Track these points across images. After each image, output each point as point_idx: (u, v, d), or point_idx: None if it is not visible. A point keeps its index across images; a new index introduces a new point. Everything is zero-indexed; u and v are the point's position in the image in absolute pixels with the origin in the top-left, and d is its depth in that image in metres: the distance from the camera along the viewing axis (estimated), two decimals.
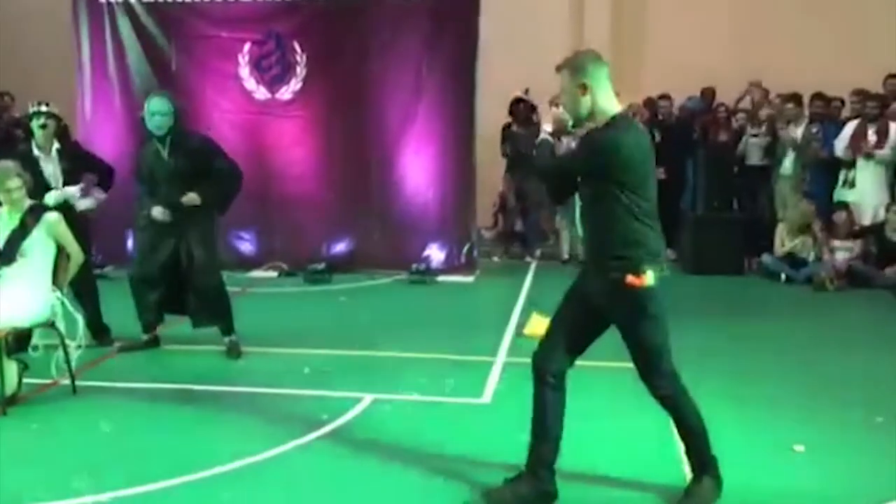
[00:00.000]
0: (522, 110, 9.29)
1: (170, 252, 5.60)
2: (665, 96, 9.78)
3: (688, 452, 3.62)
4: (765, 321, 6.99)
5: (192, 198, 5.48)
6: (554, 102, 3.79)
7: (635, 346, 3.48)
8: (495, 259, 9.60)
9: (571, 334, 3.56)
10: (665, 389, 3.51)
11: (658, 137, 9.23)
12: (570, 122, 3.52)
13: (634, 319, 3.42)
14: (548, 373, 3.56)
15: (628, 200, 3.31)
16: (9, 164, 4.84)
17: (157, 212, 5.53)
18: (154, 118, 5.46)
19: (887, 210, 8.21)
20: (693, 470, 3.59)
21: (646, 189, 3.39)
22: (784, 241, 8.60)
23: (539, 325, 6.54)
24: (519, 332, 6.33)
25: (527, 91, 9.31)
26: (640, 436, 4.31)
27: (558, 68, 3.44)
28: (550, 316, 3.72)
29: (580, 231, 3.60)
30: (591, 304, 3.50)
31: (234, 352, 5.66)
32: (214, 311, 5.67)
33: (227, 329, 5.72)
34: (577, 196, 3.54)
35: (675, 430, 3.65)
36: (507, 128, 9.42)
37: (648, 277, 3.35)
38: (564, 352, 3.56)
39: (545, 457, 3.52)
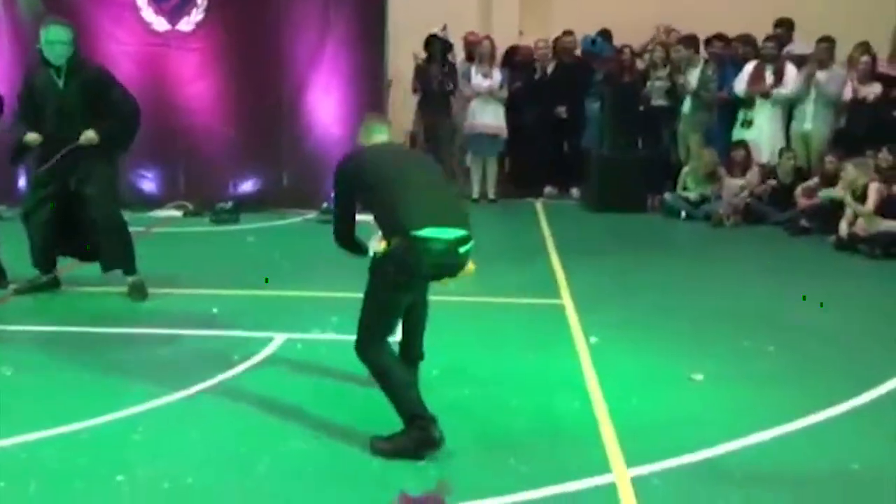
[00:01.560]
0: (438, 48, 9.21)
1: (61, 188, 5.36)
2: (568, 32, 9.79)
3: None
4: (663, 257, 7.25)
5: (90, 137, 5.24)
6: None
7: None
8: None
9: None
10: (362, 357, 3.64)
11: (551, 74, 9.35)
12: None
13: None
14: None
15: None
16: None
17: (31, 136, 5.25)
18: (54, 47, 5.19)
19: (780, 155, 8.55)
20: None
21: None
22: (687, 185, 8.86)
23: None
24: None
25: (444, 28, 9.21)
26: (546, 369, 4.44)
27: None
28: None
29: None
30: None
31: (137, 293, 5.52)
32: (116, 250, 5.49)
33: (130, 269, 5.55)
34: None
35: None
36: (420, 65, 9.32)
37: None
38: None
39: (412, 406, 3.51)
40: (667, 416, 3.90)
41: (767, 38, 8.97)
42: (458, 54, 9.73)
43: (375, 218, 3.71)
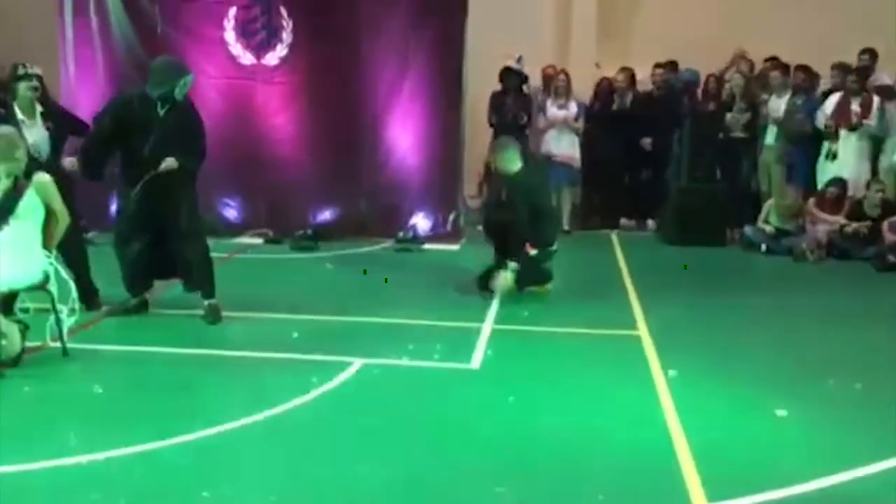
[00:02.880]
0: (513, 79, 9.29)
1: (150, 215, 5.59)
2: (661, 65, 9.74)
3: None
4: (743, 291, 7.10)
5: (170, 163, 5.49)
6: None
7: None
8: (480, 228, 9.62)
9: None
10: None
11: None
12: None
13: None
14: None
15: None
16: (13, 131, 4.84)
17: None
18: (185, 89, 5.55)
19: (867, 187, 8.31)
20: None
21: None
22: (769, 219, 8.65)
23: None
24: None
25: (519, 59, 9.30)
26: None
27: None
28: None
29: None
30: None
31: (213, 315, 5.69)
32: (197, 275, 5.71)
33: (210, 293, 5.75)
34: None
35: None
36: (496, 96, 9.41)
37: None
38: None
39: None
40: (748, 452, 3.82)
41: (851, 71, 8.76)
42: (535, 83, 9.78)
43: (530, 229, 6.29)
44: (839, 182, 8.43)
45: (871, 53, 8.87)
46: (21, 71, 5.67)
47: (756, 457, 3.77)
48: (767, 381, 4.71)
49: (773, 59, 9.27)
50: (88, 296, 5.85)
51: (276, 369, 4.83)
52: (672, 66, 9.77)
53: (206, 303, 5.74)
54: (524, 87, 9.47)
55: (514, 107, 9.27)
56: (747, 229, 8.72)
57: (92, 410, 4.21)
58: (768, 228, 8.58)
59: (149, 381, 4.64)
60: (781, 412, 4.23)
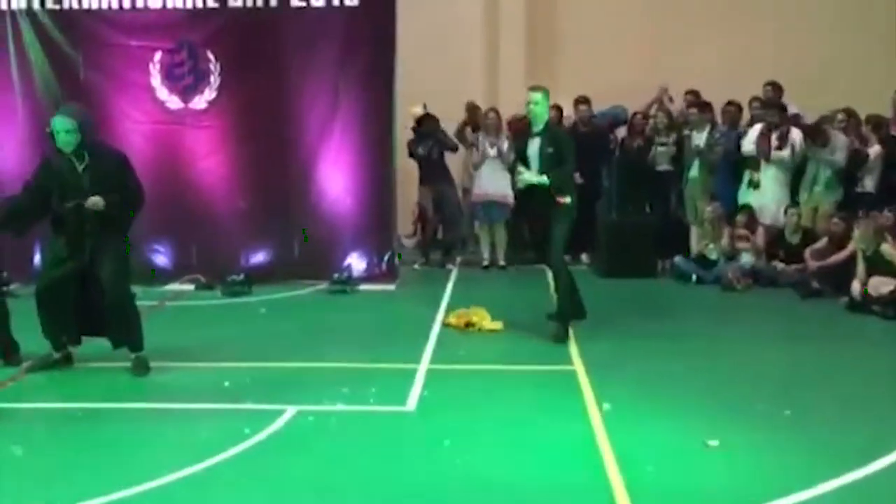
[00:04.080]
0: (429, 123, 9.43)
1: (74, 267, 5.45)
2: (584, 100, 9.94)
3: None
4: (675, 321, 7.22)
5: (95, 201, 5.34)
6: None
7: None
8: (416, 267, 9.64)
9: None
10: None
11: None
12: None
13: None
14: None
15: None
16: None
17: (92, 202, 5.36)
18: (59, 136, 5.36)
19: (785, 213, 8.60)
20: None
21: None
22: (699, 241, 8.91)
23: (462, 317, 6.71)
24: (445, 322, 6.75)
25: (424, 106, 9.45)
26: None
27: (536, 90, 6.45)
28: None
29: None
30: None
31: (140, 368, 5.54)
32: (123, 328, 5.57)
33: (136, 346, 5.61)
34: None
35: None
36: (410, 143, 9.59)
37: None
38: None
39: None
40: (683, 485, 3.85)
41: (764, 104, 9.09)
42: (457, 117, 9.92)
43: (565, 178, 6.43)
44: (746, 208, 8.77)
45: (775, 86, 9.24)
46: None
47: (690, 489, 3.80)
48: (700, 411, 4.79)
49: (692, 92, 9.56)
50: (8, 351, 5.66)
51: (206, 420, 4.71)
52: (587, 101, 9.96)
53: (133, 355, 5.60)
54: (439, 127, 9.59)
55: (429, 142, 9.48)
56: (678, 259, 8.91)
57: (10, 472, 4.03)
58: (697, 250, 8.79)
59: (71, 439, 4.49)
60: (714, 442, 4.28)
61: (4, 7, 8.40)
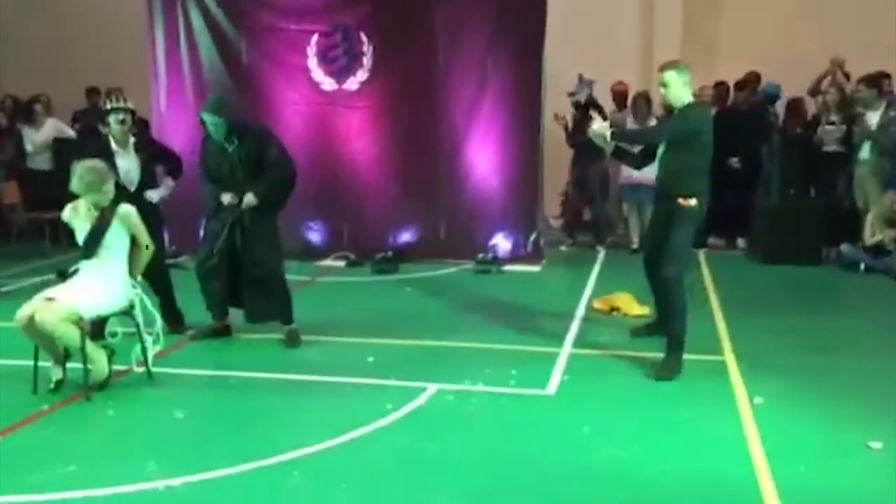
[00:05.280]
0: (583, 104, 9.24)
1: (230, 245, 5.73)
2: (742, 85, 9.42)
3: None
4: (838, 313, 6.79)
5: (249, 202, 5.60)
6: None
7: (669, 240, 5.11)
8: (563, 248, 9.53)
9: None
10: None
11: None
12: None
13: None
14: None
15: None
16: (103, 165, 5.01)
17: (227, 198, 5.66)
18: (207, 127, 5.67)
19: None
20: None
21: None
22: (873, 232, 8.28)
23: (608, 302, 6.57)
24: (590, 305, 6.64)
25: (580, 80, 9.17)
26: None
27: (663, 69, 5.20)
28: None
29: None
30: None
31: (292, 341, 5.77)
32: (271, 304, 5.80)
33: (286, 319, 5.83)
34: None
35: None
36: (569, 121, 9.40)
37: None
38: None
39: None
40: (839, 488, 3.61)
41: None
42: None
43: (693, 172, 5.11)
44: None
45: None
46: (110, 105, 5.91)
47: (848, 493, 3.56)
48: (861, 411, 4.47)
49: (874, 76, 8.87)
50: (174, 320, 6.02)
51: (351, 394, 4.85)
52: (745, 85, 9.44)
53: (285, 328, 5.83)
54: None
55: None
56: (844, 247, 8.33)
57: (172, 435, 4.30)
58: (873, 241, 8.17)
59: (227, 406, 4.74)
60: (876, 444, 3.99)
61: None
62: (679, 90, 5.15)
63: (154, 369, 5.07)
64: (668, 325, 5.18)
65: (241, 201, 5.62)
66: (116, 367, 4.98)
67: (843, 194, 8.90)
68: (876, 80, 8.65)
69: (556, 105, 9.22)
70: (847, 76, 9.26)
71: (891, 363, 5.36)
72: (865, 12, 9.83)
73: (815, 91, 9.30)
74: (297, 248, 8.28)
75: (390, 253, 8.59)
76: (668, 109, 5.83)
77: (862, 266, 8.08)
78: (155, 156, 6.09)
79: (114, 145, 5.83)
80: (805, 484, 3.63)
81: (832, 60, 9.26)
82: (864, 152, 8.57)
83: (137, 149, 5.91)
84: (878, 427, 4.19)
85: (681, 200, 5.04)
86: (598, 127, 5.23)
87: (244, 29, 8.85)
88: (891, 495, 3.55)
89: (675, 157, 5.12)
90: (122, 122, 5.81)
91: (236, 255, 5.77)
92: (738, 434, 4.18)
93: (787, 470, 3.73)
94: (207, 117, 5.62)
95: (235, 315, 5.99)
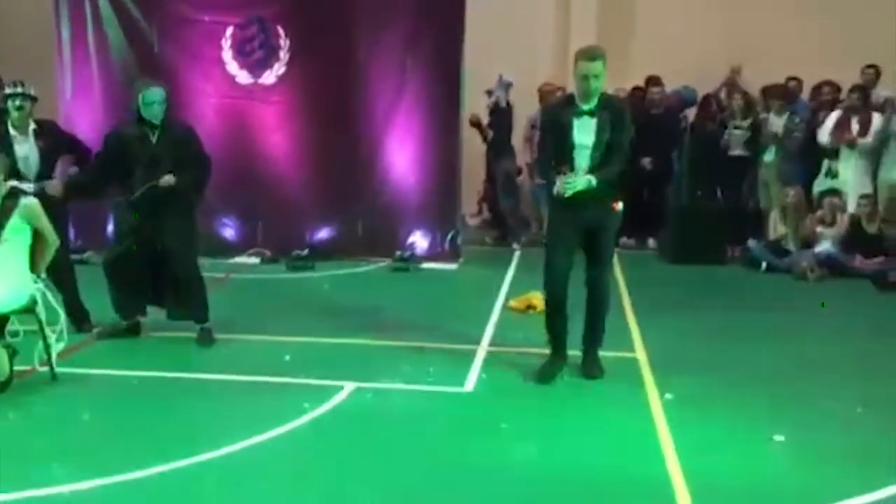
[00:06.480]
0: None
1: (145, 240, 5.59)
2: (656, 81, 9.69)
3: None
4: (743, 310, 7.01)
5: (167, 180, 5.47)
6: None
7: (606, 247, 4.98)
8: (487, 240, 9.60)
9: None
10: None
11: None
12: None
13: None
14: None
15: None
16: None
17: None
18: (153, 107, 5.49)
19: (858, 204, 8.28)
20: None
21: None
22: (777, 226, 8.63)
23: (523, 300, 6.65)
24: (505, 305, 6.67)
25: (500, 78, 9.28)
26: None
27: (595, 58, 4.68)
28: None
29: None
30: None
31: (205, 339, 5.66)
32: (189, 301, 5.68)
33: (202, 318, 5.71)
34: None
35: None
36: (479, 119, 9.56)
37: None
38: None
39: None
40: (744, 480, 3.74)
41: (853, 88, 8.72)
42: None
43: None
44: (831, 193, 8.43)
45: (875, 69, 8.85)
46: (8, 90, 5.68)
47: (752, 485, 3.69)
48: (765, 404, 4.64)
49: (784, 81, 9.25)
50: (79, 318, 5.81)
51: (267, 393, 4.77)
52: (659, 82, 9.71)
53: (198, 327, 5.70)
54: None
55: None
56: (751, 242, 8.63)
57: (78, 438, 4.15)
58: (779, 236, 8.53)
59: (136, 407, 4.58)
60: (779, 437, 4.15)
61: None
62: (603, 82, 4.73)
63: (58, 369, 4.87)
64: (597, 327, 5.11)
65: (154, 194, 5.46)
66: (18, 368, 4.76)
67: (748, 196, 9.24)
68: (783, 88, 9.00)
69: (476, 105, 9.29)
70: (738, 75, 9.58)
71: (794, 357, 5.58)
72: (768, 21, 10.23)
73: (715, 97, 9.65)
74: (211, 244, 8.09)
75: (307, 250, 8.49)
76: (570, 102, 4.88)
77: (763, 265, 8.39)
78: (57, 143, 5.86)
79: (12, 131, 5.61)
80: (712, 476, 3.74)
81: (732, 69, 9.62)
82: (769, 155, 8.92)
83: (37, 136, 5.69)
84: (783, 421, 4.35)
85: (614, 205, 4.86)
86: (579, 181, 4.66)
87: (155, 19, 8.59)
88: (792, 484, 3.69)
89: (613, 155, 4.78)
90: (20, 108, 5.59)
91: (153, 251, 5.61)
92: (649, 429, 4.29)
93: (695, 463, 3.84)
94: (158, 93, 5.48)
95: (153, 313, 5.82)
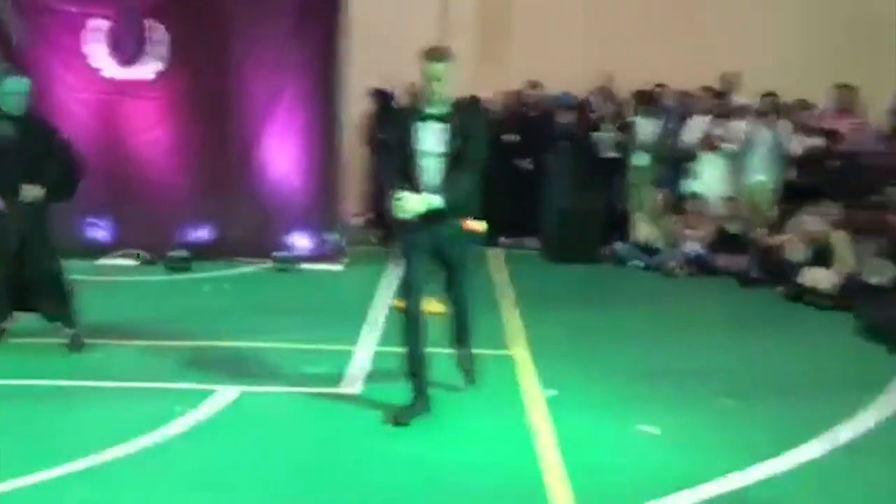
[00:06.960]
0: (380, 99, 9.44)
1: (7, 242, 5.28)
2: (535, 84, 9.91)
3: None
4: (618, 307, 7.26)
5: (35, 195, 5.20)
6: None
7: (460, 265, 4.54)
8: (372, 240, 9.57)
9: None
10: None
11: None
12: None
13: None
14: None
15: None
16: None
17: (32, 196, 5.20)
18: (13, 97, 5.18)
19: (722, 206, 8.74)
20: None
21: None
22: (641, 229, 8.98)
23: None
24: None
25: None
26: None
27: (441, 59, 4.21)
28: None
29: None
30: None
31: (75, 344, 5.41)
32: (53, 306, 5.43)
33: (69, 322, 5.46)
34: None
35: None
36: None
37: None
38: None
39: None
40: (622, 471, 3.88)
41: (715, 95, 9.19)
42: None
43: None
44: (694, 196, 8.88)
45: (731, 76, 9.34)
46: None
47: (630, 475, 3.84)
48: (641, 397, 4.82)
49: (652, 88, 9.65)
50: None
51: (139, 399, 4.60)
52: (537, 85, 9.95)
53: (67, 332, 5.45)
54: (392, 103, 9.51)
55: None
56: (618, 245, 8.97)
57: None
58: (639, 237, 8.86)
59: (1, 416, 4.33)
60: (652, 429, 4.32)
61: None
62: (449, 84, 4.26)
63: None
64: (464, 329, 4.84)
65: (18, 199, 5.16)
66: None
67: (618, 197, 9.59)
68: (650, 94, 9.40)
69: (355, 105, 9.25)
70: (632, 94, 9.96)
71: (666, 353, 5.80)
72: (640, 29, 10.63)
73: (588, 102, 9.97)
74: (78, 245, 7.72)
75: (184, 251, 8.23)
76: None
77: (642, 264, 8.71)
78: None
79: None
80: (592, 470, 3.86)
81: (604, 75, 9.98)
82: (640, 159, 9.29)
83: None
84: (656, 413, 4.53)
85: (470, 223, 4.33)
86: (421, 202, 4.20)
87: (15, 8, 8.11)
88: (669, 473, 3.84)
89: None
90: None
91: (10, 254, 5.30)
92: (529, 424, 4.38)
93: (575, 456, 3.95)
94: (20, 84, 5.19)
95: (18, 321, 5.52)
